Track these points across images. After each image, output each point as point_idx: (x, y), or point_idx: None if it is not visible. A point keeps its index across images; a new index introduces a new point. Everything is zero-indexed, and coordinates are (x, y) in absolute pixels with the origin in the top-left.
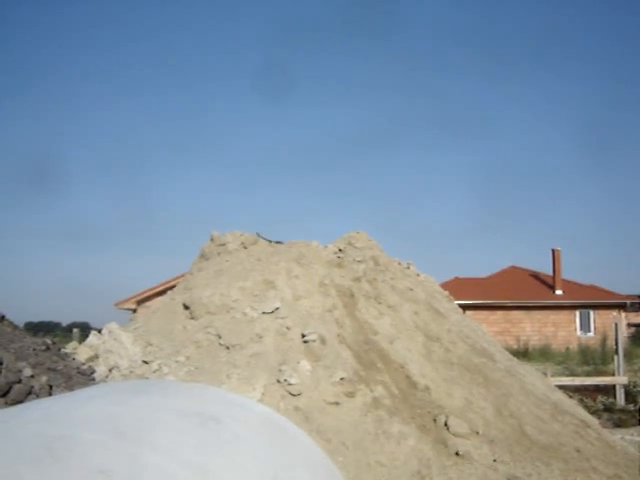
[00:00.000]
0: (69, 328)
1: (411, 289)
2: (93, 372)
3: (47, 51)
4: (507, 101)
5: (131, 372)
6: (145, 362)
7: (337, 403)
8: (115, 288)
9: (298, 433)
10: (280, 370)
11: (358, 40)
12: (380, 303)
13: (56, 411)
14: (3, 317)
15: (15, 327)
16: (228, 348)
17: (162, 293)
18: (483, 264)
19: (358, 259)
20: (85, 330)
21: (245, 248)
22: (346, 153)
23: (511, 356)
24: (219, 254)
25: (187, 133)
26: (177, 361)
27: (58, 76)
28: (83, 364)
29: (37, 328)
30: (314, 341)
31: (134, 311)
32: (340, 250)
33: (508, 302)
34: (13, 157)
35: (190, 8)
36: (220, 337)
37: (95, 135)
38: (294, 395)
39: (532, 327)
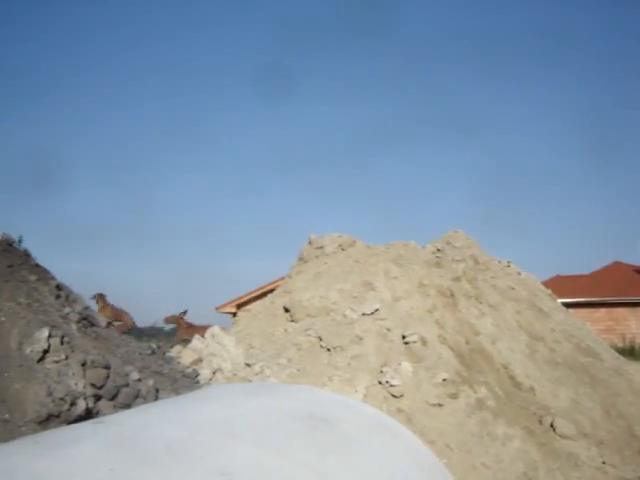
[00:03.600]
0: (172, 332)
1: (512, 288)
2: (197, 375)
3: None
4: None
5: (234, 375)
6: (248, 365)
7: (440, 405)
8: (215, 292)
9: (408, 434)
10: (381, 372)
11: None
12: (481, 303)
13: (173, 414)
14: (109, 323)
15: (121, 332)
16: (329, 350)
17: (261, 297)
18: (585, 261)
19: (457, 258)
20: None
21: (343, 250)
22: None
23: (618, 355)
24: (317, 257)
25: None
26: (279, 363)
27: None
28: (187, 367)
29: (141, 333)
30: (415, 342)
31: (234, 315)
32: (438, 250)
33: (612, 299)
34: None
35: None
36: (321, 339)
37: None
38: (396, 397)
39: (638, 325)
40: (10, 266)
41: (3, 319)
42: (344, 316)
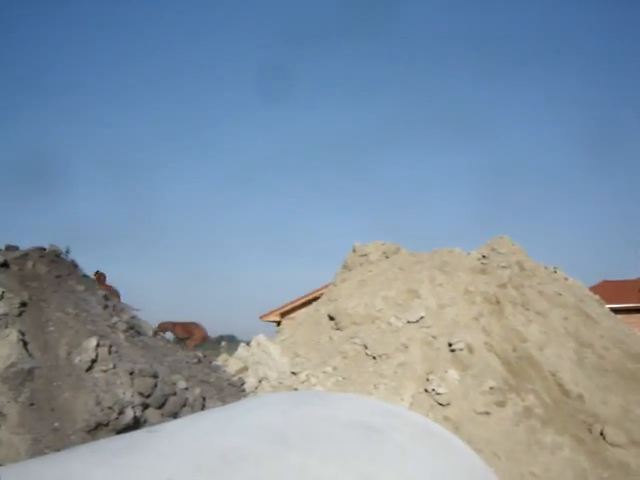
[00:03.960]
0: (216, 341)
1: (560, 294)
2: (243, 384)
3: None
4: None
5: (280, 383)
6: (293, 373)
7: (487, 413)
8: (258, 301)
9: (457, 442)
10: (427, 380)
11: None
12: (528, 309)
13: (225, 422)
14: (156, 332)
15: (167, 341)
16: (374, 358)
17: (305, 305)
18: (633, 265)
19: (503, 265)
20: (232, 343)
21: (387, 258)
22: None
23: None
24: (361, 264)
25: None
26: (324, 372)
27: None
28: (233, 376)
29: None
30: (461, 350)
31: (278, 323)
32: (484, 256)
33: None
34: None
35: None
36: (366, 347)
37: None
38: (443, 405)
39: None
40: (58, 277)
41: (52, 329)
42: (389, 324)
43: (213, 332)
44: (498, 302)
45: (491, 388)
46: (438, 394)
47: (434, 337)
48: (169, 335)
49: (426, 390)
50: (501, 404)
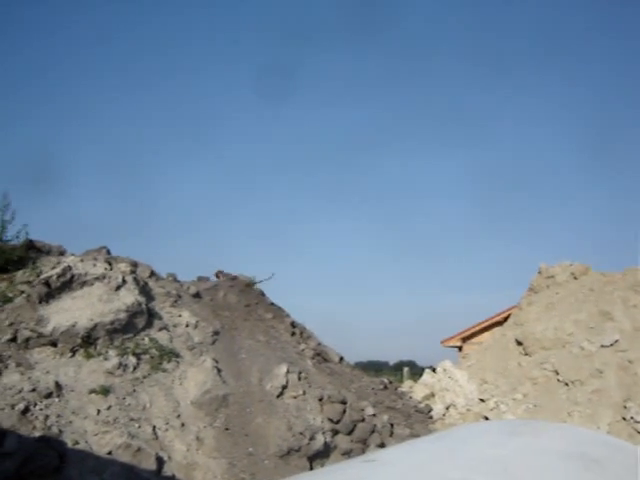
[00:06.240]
0: (397, 367)
1: None
2: (430, 410)
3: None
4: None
5: (468, 410)
6: (481, 400)
7: None
8: (437, 326)
9: None
10: (625, 407)
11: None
12: None
13: (442, 453)
14: (342, 358)
15: (353, 367)
16: (567, 384)
17: (487, 329)
18: None
19: None
20: (413, 369)
21: (575, 279)
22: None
23: None
24: (548, 287)
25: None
26: (514, 399)
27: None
28: (420, 402)
29: (366, 367)
30: None
31: (460, 349)
32: None
33: None
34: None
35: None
36: (557, 373)
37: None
38: None
39: None
40: (247, 305)
41: (244, 356)
42: (581, 348)
43: (393, 358)
44: None
45: None
46: (637, 422)
47: (630, 362)
48: None
49: (624, 418)
50: None
